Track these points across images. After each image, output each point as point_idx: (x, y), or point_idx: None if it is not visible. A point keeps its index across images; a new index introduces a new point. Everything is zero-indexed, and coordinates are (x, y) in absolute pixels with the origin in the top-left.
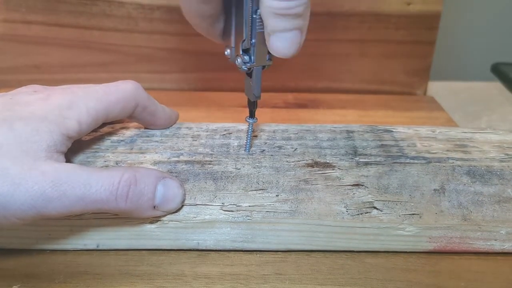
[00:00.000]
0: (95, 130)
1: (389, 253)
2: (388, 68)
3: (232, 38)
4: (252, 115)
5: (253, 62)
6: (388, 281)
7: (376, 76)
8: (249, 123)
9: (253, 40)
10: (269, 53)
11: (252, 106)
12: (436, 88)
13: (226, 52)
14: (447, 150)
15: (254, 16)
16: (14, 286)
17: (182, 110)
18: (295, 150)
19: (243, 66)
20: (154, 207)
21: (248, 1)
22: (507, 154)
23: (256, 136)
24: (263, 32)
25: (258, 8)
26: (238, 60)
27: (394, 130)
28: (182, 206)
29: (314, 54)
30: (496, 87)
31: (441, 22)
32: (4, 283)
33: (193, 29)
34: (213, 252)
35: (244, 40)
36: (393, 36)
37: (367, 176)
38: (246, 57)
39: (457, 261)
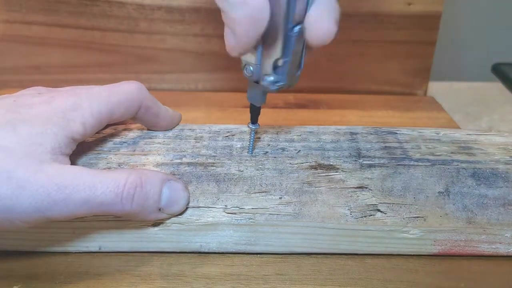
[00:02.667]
0: (98, 132)
1: (390, 254)
2: (389, 68)
3: (258, 55)
4: (255, 120)
5: (285, 82)
6: (388, 281)
7: (376, 77)
8: (251, 129)
9: (287, 59)
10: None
11: (256, 112)
12: (436, 88)
13: (246, 71)
14: (452, 153)
15: (290, 33)
16: (15, 287)
17: (183, 110)
18: (298, 152)
19: (271, 87)
20: (159, 209)
21: (285, 19)
22: None
23: (259, 138)
24: (297, 51)
25: (295, 26)
26: (267, 79)
27: (398, 132)
28: (186, 208)
29: (315, 54)
30: (496, 87)
31: (441, 22)
32: (5, 284)
33: (193, 30)
34: (213, 252)
35: (278, 59)
36: (394, 37)
37: (371, 178)
38: (276, 77)
39: (457, 262)
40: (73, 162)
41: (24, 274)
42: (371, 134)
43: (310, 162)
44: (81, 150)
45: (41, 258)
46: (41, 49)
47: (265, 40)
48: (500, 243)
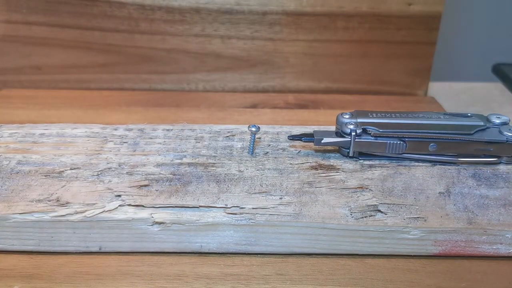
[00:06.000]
0: (96, 132)
1: (390, 254)
2: (389, 68)
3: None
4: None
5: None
6: (389, 281)
7: (376, 77)
8: (252, 132)
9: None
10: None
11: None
12: (437, 89)
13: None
14: None
15: None
16: (15, 287)
17: (183, 110)
18: (298, 152)
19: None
20: None
21: None
22: None
23: (259, 138)
24: None
25: None
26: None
27: None
28: (187, 208)
29: (315, 54)
30: (497, 87)
31: (441, 23)
32: (5, 284)
33: (193, 30)
34: (214, 252)
35: None
36: (394, 37)
37: (371, 179)
38: None
39: (458, 262)
40: (73, 161)
41: (24, 274)
42: None
43: (310, 162)
44: (82, 150)
45: (41, 258)
46: (41, 49)
47: None
48: (500, 244)
